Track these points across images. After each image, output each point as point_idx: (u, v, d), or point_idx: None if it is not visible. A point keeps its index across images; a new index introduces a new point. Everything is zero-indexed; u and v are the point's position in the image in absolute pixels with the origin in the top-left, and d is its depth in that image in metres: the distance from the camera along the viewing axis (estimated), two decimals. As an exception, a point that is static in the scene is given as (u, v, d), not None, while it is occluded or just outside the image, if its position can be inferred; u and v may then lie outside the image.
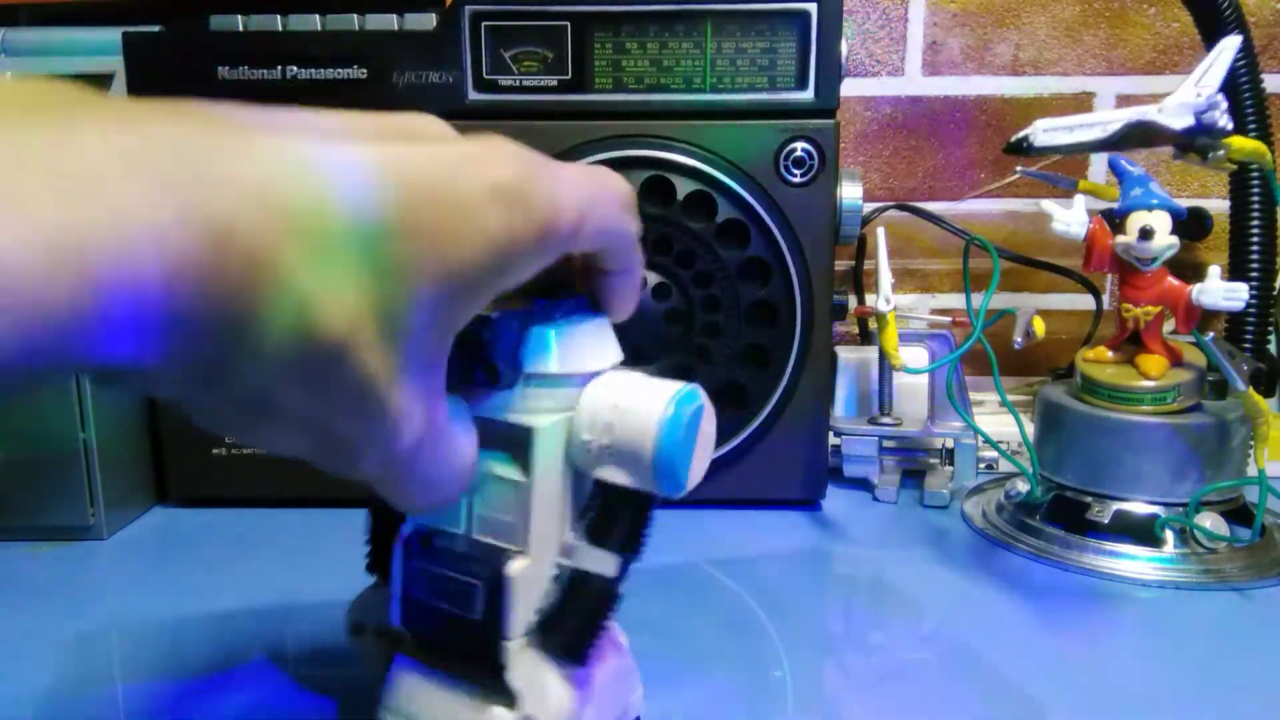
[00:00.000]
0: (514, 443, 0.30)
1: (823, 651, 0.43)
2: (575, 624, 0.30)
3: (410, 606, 0.31)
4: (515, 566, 0.29)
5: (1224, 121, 0.47)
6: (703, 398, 0.31)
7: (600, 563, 0.30)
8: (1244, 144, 0.49)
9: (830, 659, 0.43)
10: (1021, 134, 0.52)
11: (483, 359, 0.30)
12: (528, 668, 0.30)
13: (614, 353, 0.32)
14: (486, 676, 0.30)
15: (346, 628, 0.33)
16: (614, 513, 0.31)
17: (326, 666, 0.42)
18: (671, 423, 0.29)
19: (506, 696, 0.30)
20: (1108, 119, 0.50)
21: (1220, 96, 0.48)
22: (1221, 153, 0.48)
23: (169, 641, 0.44)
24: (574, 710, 0.30)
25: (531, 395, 0.30)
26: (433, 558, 0.31)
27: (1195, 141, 0.48)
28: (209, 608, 0.47)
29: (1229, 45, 0.49)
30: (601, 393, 0.30)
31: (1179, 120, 0.48)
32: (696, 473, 0.31)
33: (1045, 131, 0.51)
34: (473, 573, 0.30)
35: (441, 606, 0.30)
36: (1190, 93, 0.48)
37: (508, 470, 0.30)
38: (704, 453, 0.31)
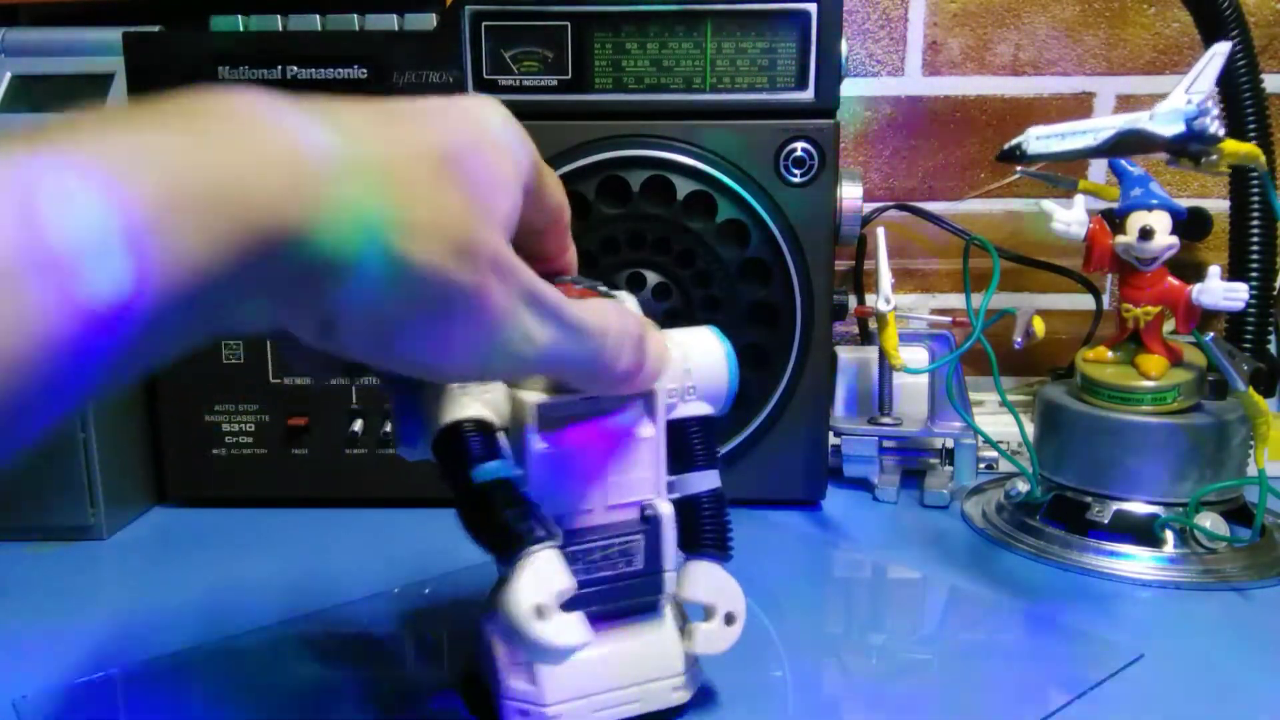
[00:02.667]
0: (634, 409, 0.35)
1: (823, 652, 0.43)
2: (716, 529, 0.36)
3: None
4: (665, 508, 0.35)
5: (1215, 128, 0.47)
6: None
7: (706, 480, 0.36)
8: (1238, 148, 0.49)
9: (830, 659, 0.43)
10: (1014, 142, 0.52)
11: None
12: (704, 577, 0.36)
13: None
14: (640, 615, 0.36)
15: (531, 614, 0.31)
16: (696, 440, 0.36)
17: (327, 666, 0.42)
18: (732, 357, 0.37)
19: (679, 619, 0.36)
20: (1099, 126, 0.50)
21: (1211, 103, 0.48)
22: (1215, 157, 0.48)
23: (169, 641, 0.44)
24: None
25: None
26: (580, 540, 0.34)
27: (1187, 148, 0.48)
28: (209, 608, 0.47)
29: (1219, 51, 0.49)
30: (673, 349, 0.36)
31: (1170, 127, 0.48)
32: None
33: (1038, 139, 0.51)
34: (629, 531, 0.35)
35: (602, 575, 0.35)
36: (1181, 99, 0.48)
37: (639, 432, 0.35)
38: None
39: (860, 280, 0.78)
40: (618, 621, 0.35)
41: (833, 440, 0.61)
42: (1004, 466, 0.64)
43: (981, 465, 0.64)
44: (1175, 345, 0.53)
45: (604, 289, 0.35)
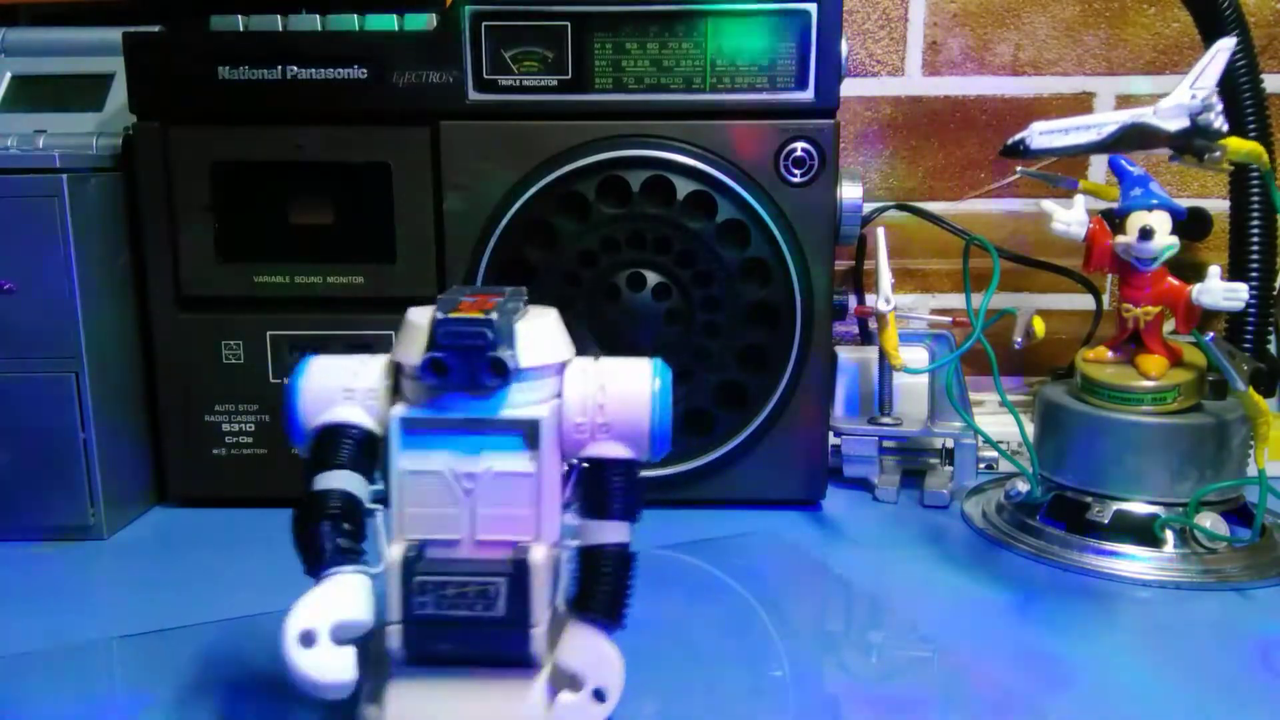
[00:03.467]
0: (515, 437, 0.32)
1: (823, 651, 0.43)
2: (610, 592, 0.32)
3: (415, 629, 0.31)
4: (537, 554, 0.31)
5: (1219, 123, 0.48)
6: (668, 370, 0.34)
7: (613, 533, 0.32)
8: (1241, 145, 0.49)
9: (830, 659, 0.43)
10: (1017, 137, 0.52)
11: (489, 359, 0.31)
12: (581, 643, 0.32)
13: (568, 341, 0.34)
14: (514, 669, 0.32)
15: (295, 638, 0.30)
16: (611, 485, 0.32)
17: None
18: (662, 395, 0.33)
19: (553, 680, 0.32)
20: (1103, 121, 0.50)
21: (1215, 98, 0.48)
22: (1218, 154, 0.48)
23: (169, 641, 0.44)
24: (623, 678, 0.32)
25: (529, 388, 0.32)
26: (434, 570, 0.31)
27: (1191, 143, 0.48)
28: (209, 607, 0.47)
29: (1224, 46, 0.49)
30: (584, 377, 0.33)
31: (1174, 122, 0.48)
32: (672, 437, 0.34)
33: (1041, 134, 0.51)
34: (492, 571, 0.31)
35: (458, 616, 0.31)
36: (1185, 95, 0.48)
37: (514, 463, 0.32)
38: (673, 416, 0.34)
39: (860, 280, 0.78)
40: (481, 671, 0.32)
41: (833, 440, 0.61)
42: (1004, 466, 0.64)
43: (981, 465, 0.64)
44: (1175, 345, 0.53)
45: (512, 299, 0.33)
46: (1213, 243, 0.75)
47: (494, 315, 0.31)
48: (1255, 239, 0.64)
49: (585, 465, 0.33)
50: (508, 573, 0.31)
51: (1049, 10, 0.78)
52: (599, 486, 0.32)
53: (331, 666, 0.29)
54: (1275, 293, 0.65)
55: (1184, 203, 0.52)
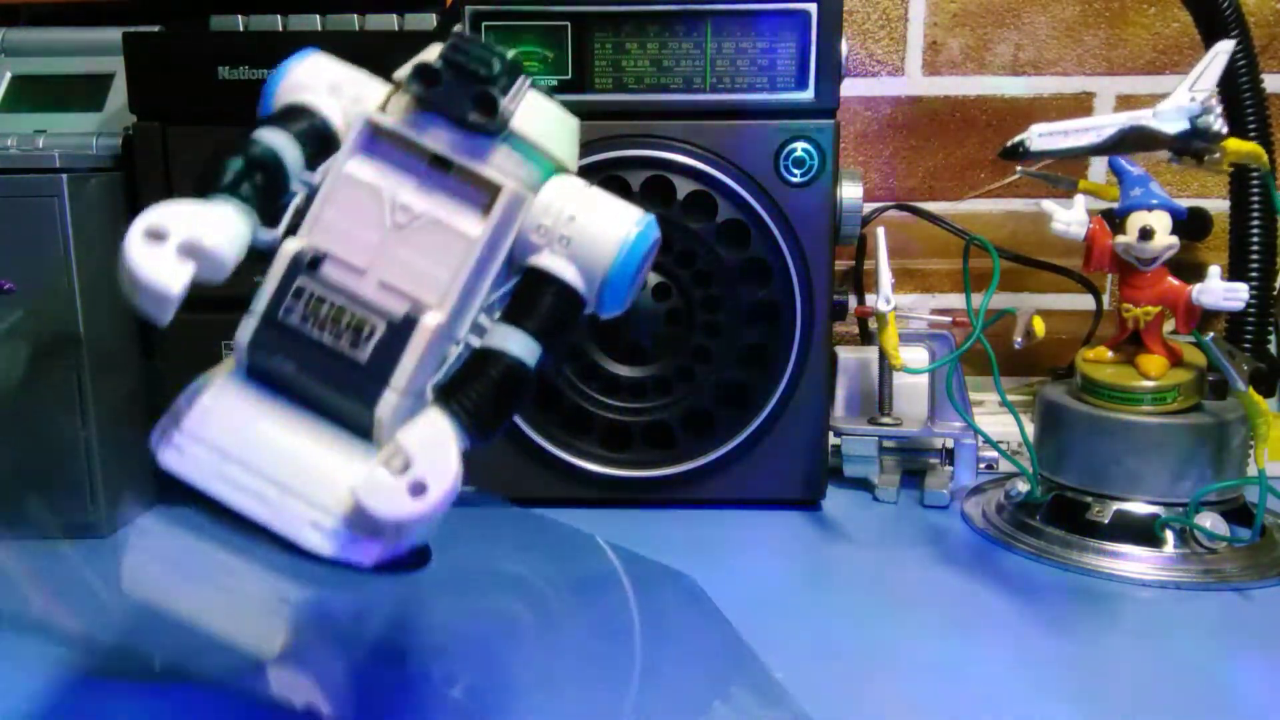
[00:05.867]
0: (473, 196, 0.29)
1: (823, 652, 0.43)
2: (485, 396, 0.28)
3: (273, 332, 0.28)
4: (431, 318, 0.28)
5: (1218, 125, 0.48)
6: (657, 232, 0.31)
7: (518, 344, 0.29)
8: (1240, 147, 0.49)
9: (830, 659, 0.43)
10: (1017, 139, 0.52)
11: (483, 92, 0.28)
12: (427, 429, 0.27)
13: (574, 154, 0.32)
14: (354, 427, 0.28)
15: (142, 230, 0.27)
16: (541, 300, 0.29)
17: (328, 665, 0.42)
18: (635, 244, 0.30)
19: (383, 461, 0.27)
20: (1102, 124, 0.50)
21: (1214, 100, 0.48)
22: (1218, 156, 0.49)
23: (171, 640, 0.44)
24: (457, 487, 0.27)
25: (508, 156, 0.30)
26: (323, 283, 0.29)
27: (1190, 146, 0.48)
28: (211, 606, 0.47)
29: (1223, 49, 0.49)
30: (570, 186, 0.30)
31: (1173, 125, 0.48)
32: (628, 303, 0.31)
33: (1040, 137, 0.51)
34: (376, 311, 0.28)
35: (320, 339, 0.28)
36: (1184, 97, 0.48)
37: (459, 221, 0.29)
38: (639, 285, 0.31)
39: (860, 280, 0.78)
40: (318, 418, 0.29)
41: (833, 440, 0.61)
42: (1004, 466, 0.64)
43: (981, 465, 0.64)
44: (1175, 345, 0.53)
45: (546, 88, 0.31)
46: (1213, 243, 0.75)
47: (514, 60, 0.28)
48: (1255, 239, 0.64)
49: (527, 272, 0.30)
50: (392, 322, 0.28)
51: (1049, 10, 0.78)
52: (529, 296, 0.30)
53: (163, 270, 0.26)
54: (1275, 293, 0.65)
55: (1184, 203, 0.52)
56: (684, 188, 0.55)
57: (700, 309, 0.56)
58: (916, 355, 0.63)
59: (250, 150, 0.28)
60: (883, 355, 0.61)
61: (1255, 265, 0.64)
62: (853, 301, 0.60)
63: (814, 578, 0.51)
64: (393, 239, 0.29)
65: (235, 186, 0.28)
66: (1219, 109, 0.48)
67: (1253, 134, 0.62)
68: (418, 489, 0.26)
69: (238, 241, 0.27)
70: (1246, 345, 0.64)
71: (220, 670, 0.41)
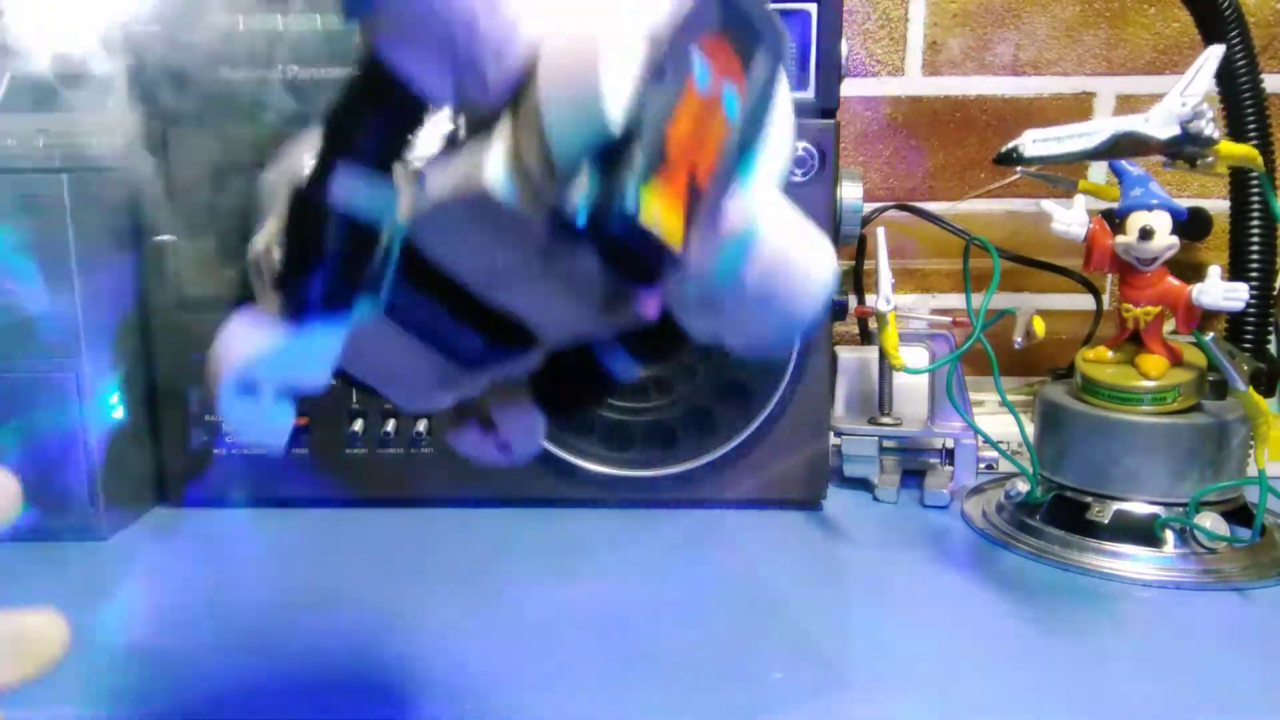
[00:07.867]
0: None
1: (823, 651, 0.43)
2: None
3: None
4: None
5: (1209, 130, 0.48)
6: None
7: None
8: (1233, 149, 0.49)
9: (831, 659, 0.43)
10: (1011, 145, 0.52)
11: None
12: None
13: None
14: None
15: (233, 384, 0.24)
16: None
17: (327, 664, 0.42)
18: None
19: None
20: (1095, 129, 0.50)
21: (1206, 105, 0.48)
22: (1210, 160, 0.49)
23: (170, 641, 0.44)
24: None
25: None
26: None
27: (1183, 150, 0.48)
28: (210, 607, 0.47)
29: (1213, 54, 0.49)
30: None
31: (1165, 130, 0.48)
32: None
33: (1034, 142, 0.51)
34: None
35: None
36: (1176, 102, 0.48)
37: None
38: None
39: (860, 280, 0.78)
40: None
41: (833, 440, 0.62)
42: (1004, 466, 0.64)
43: (981, 465, 0.64)
44: (1175, 345, 0.53)
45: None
46: (1213, 243, 0.75)
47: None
48: (1255, 239, 0.64)
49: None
50: None
51: (1049, 10, 0.78)
52: None
53: (264, 430, 0.24)
54: (1275, 293, 0.65)
55: (1184, 203, 0.52)
56: (684, 188, 0.55)
57: (700, 309, 0.56)
58: (916, 355, 0.63)
59: (356, 234, 0.23)
60: (883, 355, 0.61)
61: (1255, 265, 0.64)
62: (853, 301, 0.60)
63: (814, 578, 0.51)
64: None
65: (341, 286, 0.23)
66: (1210, 114, 0.48)
67: (1252, 134, 0.62)
68: None
69: (332, 357, 0.24)
70: (1246, 345, 0.64)
71: (220, 670, 0.41)
